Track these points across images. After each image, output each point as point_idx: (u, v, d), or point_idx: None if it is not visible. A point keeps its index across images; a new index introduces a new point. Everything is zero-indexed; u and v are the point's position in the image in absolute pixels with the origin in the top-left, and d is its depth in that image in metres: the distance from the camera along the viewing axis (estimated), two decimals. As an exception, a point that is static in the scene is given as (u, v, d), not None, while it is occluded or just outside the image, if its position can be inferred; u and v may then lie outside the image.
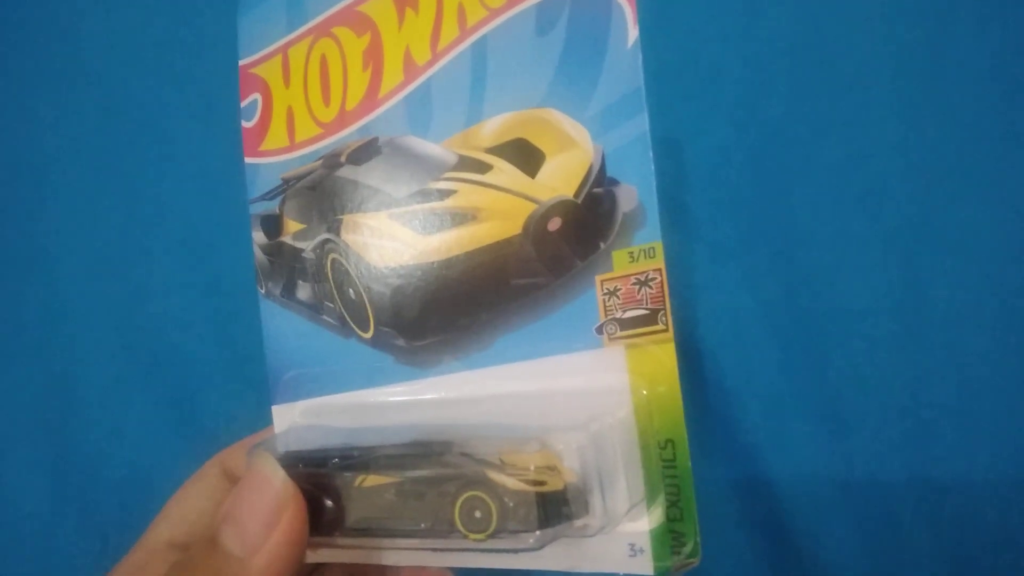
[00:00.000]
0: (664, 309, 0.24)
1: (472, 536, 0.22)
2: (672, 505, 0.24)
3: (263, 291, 0.30)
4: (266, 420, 0.29)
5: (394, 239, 0.27)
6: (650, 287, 0.24)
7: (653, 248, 0.24)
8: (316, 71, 0.28)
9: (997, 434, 0.34)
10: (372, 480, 0.24)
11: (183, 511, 0.30)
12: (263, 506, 0.23)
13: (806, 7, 0.38)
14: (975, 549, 0.34)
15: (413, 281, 0.27)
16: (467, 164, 0.26)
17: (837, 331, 0.36)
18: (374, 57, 0.27)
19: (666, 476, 0.24)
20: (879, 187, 0.36)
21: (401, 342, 0.27)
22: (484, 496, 0.22)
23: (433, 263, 0.27)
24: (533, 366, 0.25)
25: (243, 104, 0.30)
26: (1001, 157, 0.36)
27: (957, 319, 0.35)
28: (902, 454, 0.35)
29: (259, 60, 0.30)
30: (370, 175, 0.28)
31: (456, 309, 0.26)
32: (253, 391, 0.37)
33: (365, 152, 0.28)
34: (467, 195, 0.26)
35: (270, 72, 0.30)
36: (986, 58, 0.36)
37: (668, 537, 0.24)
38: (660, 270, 0.24)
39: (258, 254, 0.30)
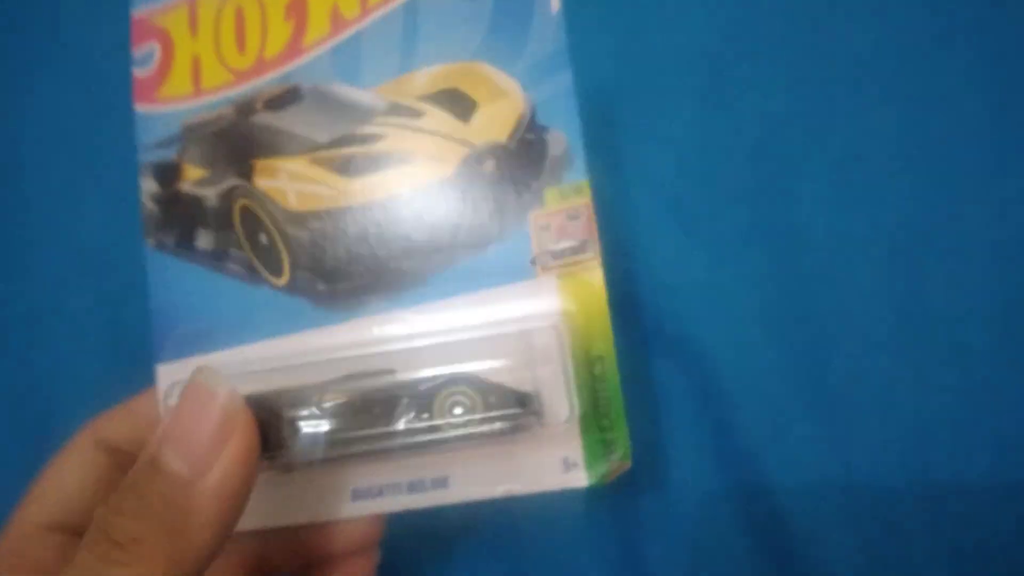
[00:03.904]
0: (592, 239, 0.26)
1: (454, 430, 0.22)
2: (604, 417, 0.26)
3: (152, 243, 0.28)
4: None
5: (316, 183, 0.27)
6: (579, 220, 0.26)
7: (581, 186, 0.26)
8: (231, 21, 0.28)
9: (998, 436, 0.34)
10: (333, 397, 0.23)
11: (58, 489, 0.26)
12: (209, 421, 0.21)
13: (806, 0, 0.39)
14: (975, 552, 0.33)
15: (339, 224, 0.27)
16: (398, 110, 0.27)
17: (836, 331, 0.36)
18: (297, 11, 0.28)
19: (597, 390, 0.26)
20: (880, 186, 0.36)
21: (322, 286, 0.27)
22: (469, 392, 0.22)
23: (362, 205, 0.27)
24: (469, 299, 0.26)
25: (137, 53, 0.29)
26: (1003, 155, 0.36)
27: (958, 319, 0.35)
28: (902, 456, 0.34)
29: (159, 11, 0.29)
30: (290, 121, 0.28)
31: (387, 250, 0.27)
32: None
33: (285, 98, 0.28)
34: (398, 139, 0.27)
35: (173, 22, 0.29)
36: (988, 54, 0.37)
37: (600, 447, 0.25)
38: (588, 205, 0.26)
39: (148, 204, 0.28)
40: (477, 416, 0.23)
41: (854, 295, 0.36)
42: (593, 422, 0.26)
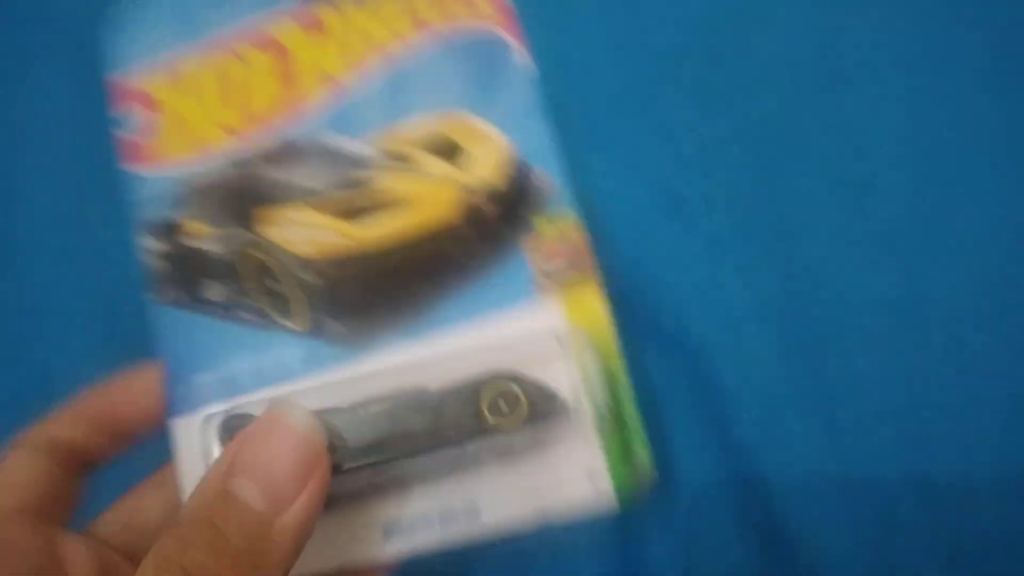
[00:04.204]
0: (584, 258, 0.29)
1: (502, 424, 0.24)
2: (622, 426, 0.28)
3: (158, 297, 0.28)
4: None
5: (325, 229, 0.29)
6: (570, 242, 0.29)
7: (567, 213, 0.30)
8: (214, 82, 0.29)
9: (995, 432, 0.34)
10: (376, 407, 0.24)
11: (16, 477, 0.26)
12: (290, 456, 0.22)
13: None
14: (972, 548, 0.33)
15: (348, 267, 0.28)
16: (391, 156, 0.30)
17: (833, 326, 0.36)
18: (284, 70, 0.30)
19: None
20: (877, 180, 0.37)
21: (339, 327, 0.28)
22: (512, 386, 0.24)
23: (369, 248, 0.29)
24: (477, 324, 0.29)
25: (120, 115, 0.29)
26: (1000, 150, 0.36)
27: (955, 314, 0.35)
28: (899, 451, 0.34)
29: (139, 72, 0.29)
30: (290, 172, 0.29)
31: (397, 290, 0.29)
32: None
33: (282, 152, 0.29)
34: (398, 184, 0.29)
35: (156, 85, 0.29)
36: (986, 50, 0.37)
37: (622, 456, 0.28)
38: (576, 228, 0.30)
39: (150, 260, 0.28)
40: (524, 411, 0.25)
41: (852, 289, 0.36)
42: (610, 428, 0.28)
